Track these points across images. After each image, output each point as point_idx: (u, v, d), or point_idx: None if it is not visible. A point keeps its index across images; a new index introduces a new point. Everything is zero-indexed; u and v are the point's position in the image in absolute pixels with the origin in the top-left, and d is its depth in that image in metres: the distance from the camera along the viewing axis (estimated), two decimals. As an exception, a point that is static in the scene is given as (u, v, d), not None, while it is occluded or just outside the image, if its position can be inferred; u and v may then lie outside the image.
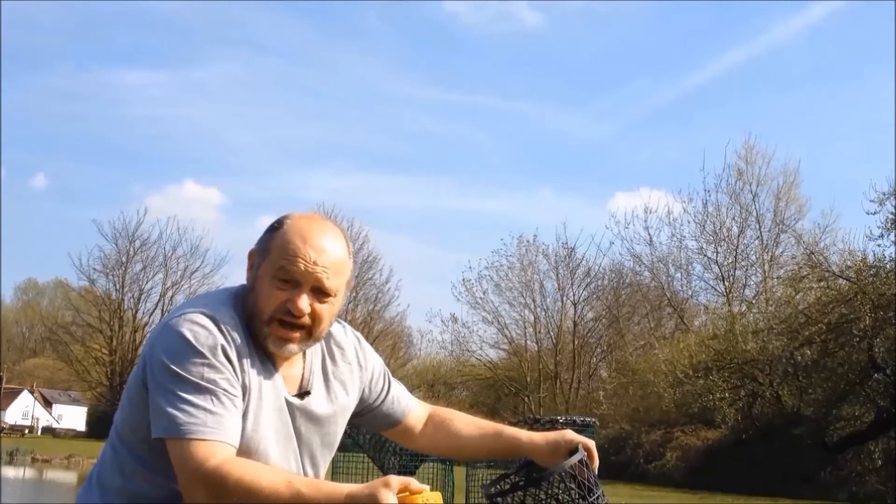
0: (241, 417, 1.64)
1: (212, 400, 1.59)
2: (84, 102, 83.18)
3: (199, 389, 1.59)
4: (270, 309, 1.68)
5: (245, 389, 1.66)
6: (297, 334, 1.71)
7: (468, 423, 2.03)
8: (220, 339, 1.63)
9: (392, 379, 2.01)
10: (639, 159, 68.65)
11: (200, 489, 1.54)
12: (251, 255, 1.76)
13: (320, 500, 1.54)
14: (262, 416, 1.68)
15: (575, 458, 1.77)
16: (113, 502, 1.72)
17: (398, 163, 75.18)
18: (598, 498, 1.78)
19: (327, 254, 1.71)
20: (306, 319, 1.70)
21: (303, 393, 1.78)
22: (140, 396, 1.66)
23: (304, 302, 1.69)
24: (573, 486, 1.78)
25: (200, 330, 1.63)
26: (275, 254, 1.70)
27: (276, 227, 1.74)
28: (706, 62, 72.62)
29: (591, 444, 1.89)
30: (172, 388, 1.59)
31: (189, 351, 1.61)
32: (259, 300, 1.69)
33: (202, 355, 1.61)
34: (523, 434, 1.94)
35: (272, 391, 1.71)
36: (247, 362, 1.67)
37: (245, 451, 1.63)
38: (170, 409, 1.58)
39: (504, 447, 1.95)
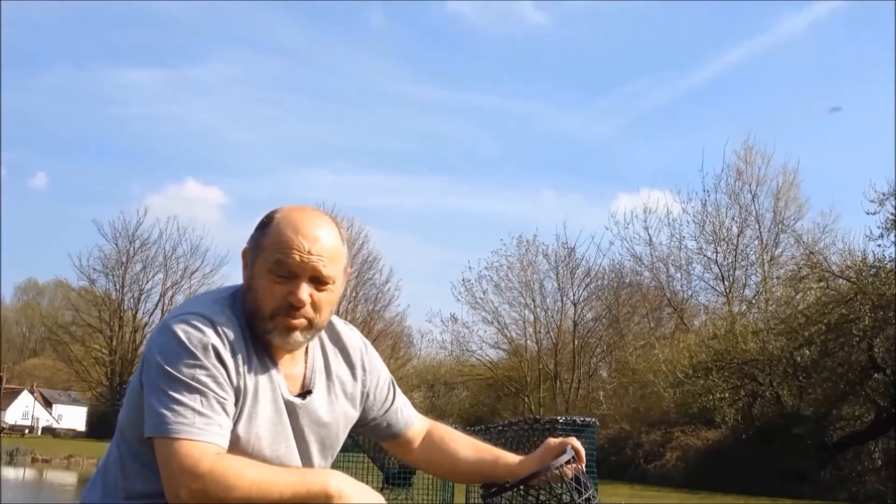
0: (235, 419, 1.65)
1: (201, 401, 1.59)
2: (84, 102, 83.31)
3: (190, 390, 1.59)
4: (272, 304, 1.69)
5: (239, 392, 1.66)
6: (300, 322, 1.70)
7: (466, 445, 2.02)
8: (214, 340, 1.64)
9: (398, 390, 2.01)
10: (639, 159, 68.70)
11: (184, 489, 1.55)
12: (245, 253, 1.76)
13: (306, 487, 1.60)
14: (257, 418, 1.68)
15: (563, 458, 1.82)
16: (113, 499, 1.73)
17: (398, 163, 75.30)
18: (591, 495, 1.82)
19: (321, 242, 1.71)
20: (308, 310, 1.70)
21: (305, 392, 1.78)
22: (138, 397, 1.67)
23: (305, 292, 1.69)
24: (566, 484, 1.82)
25: (194, 331, 1.63)
26: (269, 249, 1.70)
27: (266, 223, 1.74)
28: (706, 62, 72.64)
29: (577, 443, 1.90)
30: (164, 387, 1.60)
31: (182, 352, 1.61)
32: (258, 297, 1.69)
33: (194, 356, 1.61)
34: (518, 459, 1.97)
35: (270, 392, 1.71)
36: (242, 363, 1.67)
37: (239, 453, 1.64)
38: (160, 409, 1.59)
39: (501, 472, 1.95)
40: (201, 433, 1.57)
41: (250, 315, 1.71)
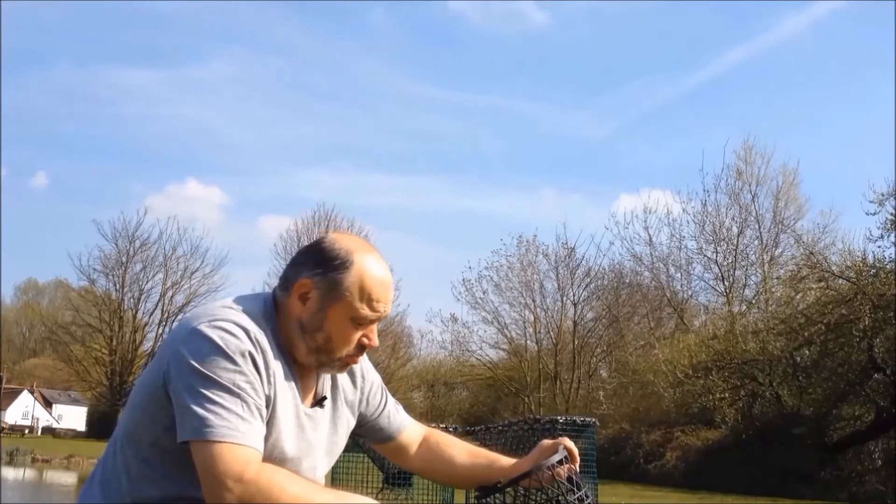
0: (265, 427, 1.66)
1: (242, 406, 1.59)
2: (84, 102, 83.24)
3: (231, 394, 1.59)
4: (347, 349, 1.76)
5: (269, 400, 1.67)
6: (361, 357, 1.83)
7: (462, 451, 2.06)
8: (250, 347, 1.64)
9: (388, 394, 2.05)
10: (639, 159, 68.73)
11: (229, 493, 1.54)
12: (308, 286, 1.74)
13: None
14: (282, 427, 1.70)
15: (555, 458, 1.84)
16: (115, 503, 1.71)
17: (398, 163, 75.18)
18: (583, 495, 1.83)
19: (391, 287, 1.80)
20: None
21: (316, 403, 1.82)
22: (154, 400, 1.65)
23: (376, 335, 1.82)
24: (559, 484, 1.83)
25: (230, 337, 1.63)
26: (353, 297, 1.73)
27: (343, 265, 1.74)
28: (706, 62, 72.69)
29: (570, 443, 1.92)
30: (204, 391, 1.58)
31: (220, 356, 1.61)
32: (333, 341, 1.74)
33: (233, 361, 1.61)
34: (513, 461, 2.00)
35: (292, 403, 1.74)
36: (273, 373, 1.68)
37: (265, 459, 1.64)
38: (200, 411, 1.57)
39: (497, 475, 1.97)
40: (245, 437, 1.58)
41: (314, 348, 1.74)
